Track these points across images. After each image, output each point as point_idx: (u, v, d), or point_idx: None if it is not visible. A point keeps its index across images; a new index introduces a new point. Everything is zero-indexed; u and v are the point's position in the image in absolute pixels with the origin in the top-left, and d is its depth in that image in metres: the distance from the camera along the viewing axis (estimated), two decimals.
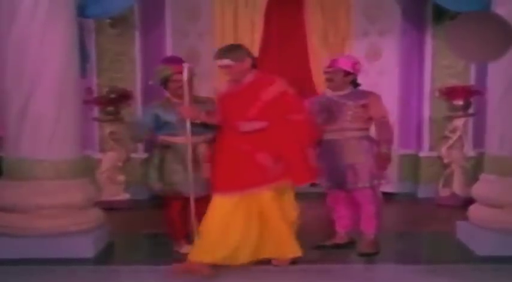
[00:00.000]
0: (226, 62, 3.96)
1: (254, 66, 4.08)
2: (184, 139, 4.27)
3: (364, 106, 4.52)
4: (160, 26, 7.16)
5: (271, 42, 7.79)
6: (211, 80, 6.91)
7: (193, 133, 4.23)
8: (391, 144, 4.56)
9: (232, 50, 4.02)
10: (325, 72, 4.70)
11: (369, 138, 4.58)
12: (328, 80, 4.66)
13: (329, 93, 4.67)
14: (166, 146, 4.41)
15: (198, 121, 4.21)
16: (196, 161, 4.30)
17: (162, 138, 4.45)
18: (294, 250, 4.18)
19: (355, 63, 4.63)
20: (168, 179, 4.38)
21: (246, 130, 3.94)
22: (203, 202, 4.26)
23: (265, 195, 4.01)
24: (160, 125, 4.42)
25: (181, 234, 4.57)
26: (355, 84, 4.65)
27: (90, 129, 6.79)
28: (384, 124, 4.55)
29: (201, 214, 4.22)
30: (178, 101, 4.35)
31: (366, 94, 4.61)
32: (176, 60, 4.56)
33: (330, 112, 4.55)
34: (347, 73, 4.57)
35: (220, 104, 4.15)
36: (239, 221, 3.99)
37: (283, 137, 3.94)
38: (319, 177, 4.60)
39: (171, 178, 4.37)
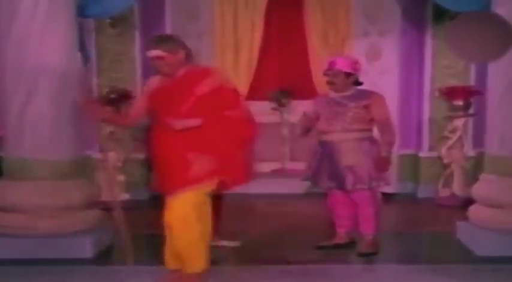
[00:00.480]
0: (157, 52, 3.56)
1: (189, 58, 3.70)
2: None
3: (366, 107, 4.47)
4: (161, 26, 7.16)
5: (271, 42, 7.80)
6: None
7: None
8: (392, 147, 4.50)
9: (165, 40, 3.65)
10: (325, 75, 4.61)
11: (370, 139, 4.53)
12: (329, 82, 4.57)
13: (332, 93, 4.62)
14: None
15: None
16: None
17: None
18: (198, 264, 3.66)
19: (355, 63, 4.58)
20: None
21: (179, 128, 3.57)
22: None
23: (182, 198, 3.54)
24: None
25: None
26: (357, 83, 4.60)
27: (90, 129, 6.78)
28: (386, 126, 4.48)
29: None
30: None
31: (369, 94, 4.55)
32: None
33: (330, 113, 4.54)
34: (348, 74, 4.52)
35: (150, 100, 3.73)
36: None
37: (217, 135, 3.58)
38: (322, 178, 4.60)
39: None
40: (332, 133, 4.51)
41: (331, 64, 4.56)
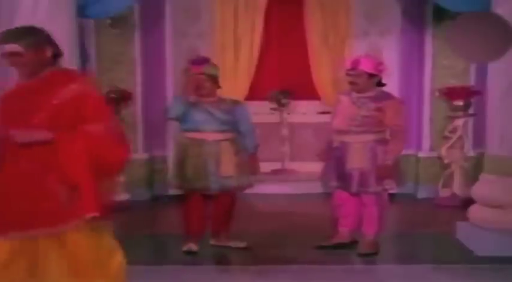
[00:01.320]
0: (14, 47, 2.74)
1: (57, 57, 2.92)
2: (209, 135, 4.42)
3: (378, 110, 4.39)
4: (160, 26, 7.15)
5: (271, 42, 7.79)
6: None
7: (216, 130, 4.43)
8: (394, 156, 4.41)
9: (26, 34, 2.81)
10: (348, 75, 4.50)
11: (380, 142, 4.44)
12: (352, 83, 4.46)
13: (354, 93, 4.52)
14: (189, 143, 4.50)
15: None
16: (217, 159, 4.42)
17: (187, 134, 4.53)
18: None
19: (378, 64, 4.48)
20: (189, 175, 4.45)
21: (24, 141, 2.72)
22: (221, 201, 4.53)
23: (72, 237, 2.78)
24: (186, 120, 4.51)
25: (192, 232, 4.60)
26: (380, 84, 4.51)
27: None
28: (395, 133, 4.40)
29: (218, 214, 4.59)
30: (203, 100, 4.50)
31: (385, 98, 4.46)
32: (198, 62, 4.62)
33: (344, 113, 4.48)
34: (371, 75, 4.41)
35: (2, 107, 2.87)
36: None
37: (71, 153, 2.73)
38: (331, 178, 4.58)
39: (192, 174, 4.44)
40: (344, 134, 4.47)
41: (354, 64, 4.44)
